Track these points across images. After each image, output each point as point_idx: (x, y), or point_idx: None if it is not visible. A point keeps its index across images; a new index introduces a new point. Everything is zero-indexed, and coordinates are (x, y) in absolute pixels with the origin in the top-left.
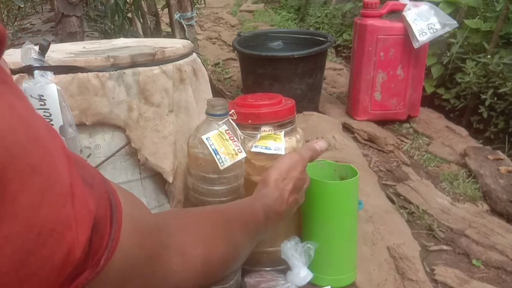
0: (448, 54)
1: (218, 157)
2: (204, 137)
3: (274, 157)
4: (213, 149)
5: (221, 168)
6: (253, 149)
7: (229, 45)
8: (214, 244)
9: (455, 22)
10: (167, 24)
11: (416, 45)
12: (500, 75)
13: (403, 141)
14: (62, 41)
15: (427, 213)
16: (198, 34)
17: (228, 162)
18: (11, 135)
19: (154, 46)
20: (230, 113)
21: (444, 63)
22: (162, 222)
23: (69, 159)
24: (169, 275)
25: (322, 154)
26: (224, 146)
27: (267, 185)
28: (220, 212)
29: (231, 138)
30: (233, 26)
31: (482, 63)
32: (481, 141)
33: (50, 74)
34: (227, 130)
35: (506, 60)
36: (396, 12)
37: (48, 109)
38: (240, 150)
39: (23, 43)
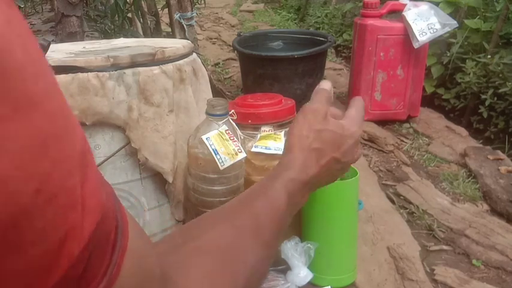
0: (448, 54)
1: (218, 157)
2: (204, 137)
3: (274, 157)
4: (213, 149)
5: (221, 168)
6: (253, 149)
7: (229, 45)
8: (220, 278)
9: (455, 22)
10: (167, 24)
11: (416, 45)
12: (500, 75)
13: (403, 141)
14: (62, 41)
15: (427, 213)
16: (198, 34)
17: (228, 162)
18: (7, 54)
19: (154, 46)
20: (230, 113)
21: (444, 63)
22: (164, 264)
23: (80, 128)
24: None
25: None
26: (224, 146)
27: (288, 150)
28: (226, 231)
29: (231, 138)
30: (233, 26)
31: (482, 63)
32: (481, 141)
33: None
34: (227, 130)
35: (506, 60)
36: (396, 12)
37: None
38: (240, 150)
39: None
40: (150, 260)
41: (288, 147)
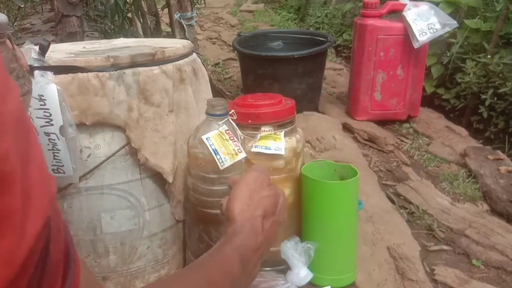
0: (448, 54)
1: (218, 157)
2: (204, 137)
3: (274, 157)
4: (213, 149)
5: (221, 168)
6: (253, 149)
7: (229, 45)
8: None
9: (455, 22)
10: (167, 24)
11: (416, 45)
12: (500, 75)
13: (403, 141)
14: (62, 41)
15: (427, 213)
16: (198, 34)
17: (228, 162)
18: None
19: (154, 46)
20: (230, 113)
21: (444, 63)
22: None
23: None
24: None
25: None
26: (224, 146)
27: (232, 221)
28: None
29: (231, 138)
30: (233, 26)
31: (482, 63)
32: (481, 141)
33: (50, 74)
34: (227, 130)
35: (506, 60)
36: (396, 12)
37: (48, 109)
38: (240, 150)
39: (23, 43)
40: None
41: (231, 217)
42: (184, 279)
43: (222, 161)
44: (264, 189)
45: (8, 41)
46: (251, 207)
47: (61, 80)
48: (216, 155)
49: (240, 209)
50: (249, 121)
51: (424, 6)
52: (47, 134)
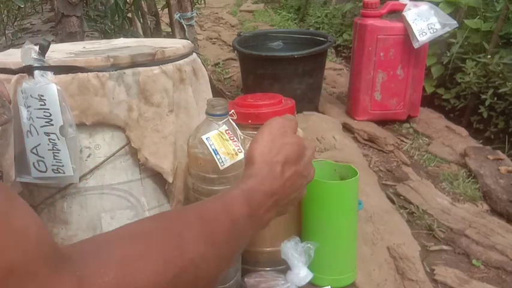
0: (448, 54)
1: (218, 157)
2: (204, 137)
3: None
4: (213, 149)
5: (221, 168)
6: None
7: (229, 45)
8: (141, 263)
9: (455, 22)
10: (167, 24)
11: (416, 45)
12: (500, 75)
13: (403, 141)
14: (62, 41)
15: (427, 213)
16: (198, 34)
17: (228, 162)
18: None
19: (154, 46)
20: (230, 113)
21: (444, 63)
22: (76, 249)
23: None
24: None
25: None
26: (224, 146)
27: (250, 164)
28: (158, 219)
29: (231, 138)
30: (233, 26)
31: (482, 63)
32: (481, 141)
33: (50, 74)
34: (227, 130)
35: (506, 60)
36: (396, 12)
37: (48, 109)
38: (240, 150)
39: (23, 43)
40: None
41: (250, 159)
42: (172, 214)
43: (222, 161)
44: (289, 136)
45: None
46: (272, 152)
47: (61, 80)
48: (216, 155)
49: (260, 152)
50: (249, 121)
51: (424, 6)
52: (47, 134)
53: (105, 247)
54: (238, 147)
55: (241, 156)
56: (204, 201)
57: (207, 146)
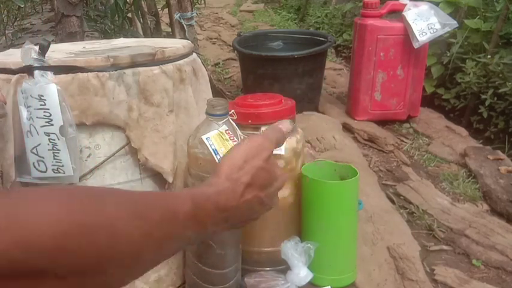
0: (448, 54)
1: (218, 157)
2: (204, 137)
3: (274, 157)
4: (213, 149)
5: None
6: None
7: (229, 45)
8: (37, 205)
9: (455, 22)
10: (167, 24)
11: (416, 45)
12: (500, 75)
13: (403, 141)
14: (62, 41)
15: (427, 213)
16: (198, 34)
17: None
18: None
19: (154, 46)
20: (230, 113)
21: (444, 63)
22: None
23: None
24: None
25: (287, 137)
26: (224, 146)
27: (216, 175)
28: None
29: (231, 138)
30: (233, 26)
31: (482, 63)
32: (481, 141)
33: (50, 74)
34: (227, 130)
35: (506, 60)
36: (396, 12)
37: (48, 109)
38: None
39: (23, 43)
40: None
41: (217, 171)
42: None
43: None
44: (264, 160)
45: None
46: (241, 171)
47: (61, 80)
48: (216, 155)
49: (228, 167)
50: (249, 121)
51: (424, 6)
52: (47, 134)
53: (41, 196)
54: None
55: None
56: (150, 192)
57: (207, 146)
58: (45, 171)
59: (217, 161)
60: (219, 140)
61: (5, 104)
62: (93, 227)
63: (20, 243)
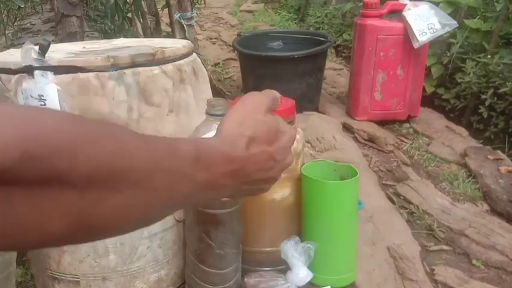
0: (448, 54)
1: None
2: (204, 137)
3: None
4: None
5: None
6: None
7: (229, 45)
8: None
9: (455, 22)
10: (167, 24)
11: (416, 45)
12: (500, 75)
13: (403, 141)
14: (62, 41)
15: (427, 213)
16: (198, 34)
17: None
18: None
19: (154, 46)
20: None
21: (444, 63)
22: None
23: None
24: None
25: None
26: None
27: (216, 135)
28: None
29: None
30: (233, 26)
31: (482, 63)
32: (481, 141)
33: (50, 74)
34: None
35: (506, 60)
36: (396, 12)
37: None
38: None
39: (23, 43)
40: None
41: (217, 131)
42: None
43: None
44: (263, 114)
45: None
46: (241, 127)
47: (61, 80)
48: None
49: (227, 126)
50: None
51: (424, 6)
52: None
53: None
54: None
55: None
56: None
57: None
58: None
59: None
60: None
61: None
62: (101, 135)
63: (35, 137)
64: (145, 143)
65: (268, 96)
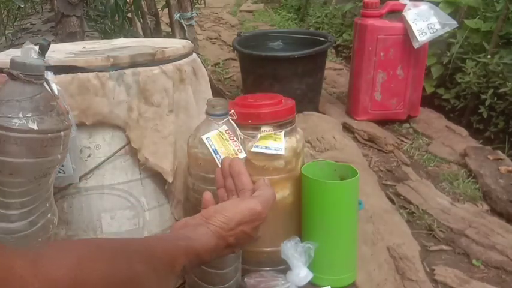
0: (448, 54)
1: (218, 157)
2: (204, 137)
3: (274, 157)
4: (213, 149)
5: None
6: (253, 149)
7: (229, 45)
8: (87, 266)
9: (455, 22)
10: (167, 24)
11: (416, 45)
12: (500, 75)
13: (403, 141)
14: (62, 41)
15: (427, 213)
16: (198, 34)
17: None
18: None
19: (154, 46)
20: (230, 112)
21: (444, 63)
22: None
23: None
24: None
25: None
26: (224, 146)
27: (207, 224)
28: (114, 240)
29: (231, 138)
30: (233, 26)
31: (482, 63)
32: (481, 141)
33: (50, 74)
34: (227, 130)
35: (506, 60)
36: (396, 12)
37: None
38: (240, 150)
39: (23, 43)
40: None
41: (210, 218)
42: (127, 239)
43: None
44: (254, 229)
45: (45, 83)
46: (231, 232)
47: (61, 80)
48: (216, 155)
49: (222, 226)
50: (249, 121)
51: (424, 6)
52: None
53: (64, 248)
54: (238, 147)
55: (241, 156)
56: (154, 241)
57: (207, 146)
58: None
59: (217, 161)
60: (219, 140)
61: (67, 113)
62: (126, 284)
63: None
64: (154, 271)
65: (266, 210)
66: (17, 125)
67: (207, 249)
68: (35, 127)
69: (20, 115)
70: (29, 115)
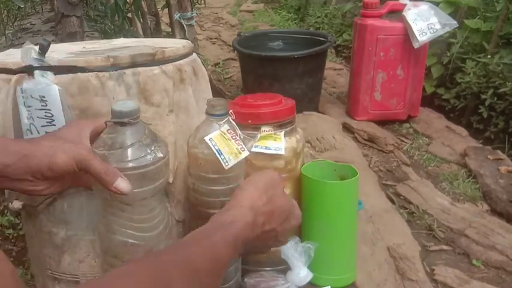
0: (448, 54)
1: (222, 157)
2: (207, 138)
3: (274, 157)
4: (216, 150)
5: (226, 168)
6: (253, 149)
7: (229, 45)
8: None
9: (455, 22)
10: (167, 24)
11: (416, 45)
12: (500, 75)
13: (403, 141)
14: (62, 41)
15: (427, 213)
16: (198, 34)
17: (232, 162)
18: None
19: (154, 46)
20: (229, 112)
21: (444, 63)
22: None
23: None
24: None
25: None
26: (227, 145)
27: (238, 204)
28: (148, 261)
29: (233, 137)
30: (233, 26)
31: (482, 63)
32: (481, 141)
33: (50, 74)
34: (229, 130)
35: (506, 60)
36: (396, 12)
37: (49, 110)
38: (243, 149)
39: (23, 43)
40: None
41: (238, 201)
42: (162, 256)
43: (227, 161)
44: (280, 190)
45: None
46: (261, 200)
47: (61, 80)
48: (220, 155)
49: (249, 196)
50: (249, 121)
51: (424, 6)
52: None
53: (98, 285)
54: (241, 146)
55: (244, 154)
56: (190, 243)
57: (209, 147)
58: None
59: (221, 161)
60: (222, 140)
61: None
62: None
63: None
64: (199, 285)
65: (280, 177)
66: (151, 159)
67: (245, 226)
68: (161, 154)
69: (148, 150)
70: (153, 148)
